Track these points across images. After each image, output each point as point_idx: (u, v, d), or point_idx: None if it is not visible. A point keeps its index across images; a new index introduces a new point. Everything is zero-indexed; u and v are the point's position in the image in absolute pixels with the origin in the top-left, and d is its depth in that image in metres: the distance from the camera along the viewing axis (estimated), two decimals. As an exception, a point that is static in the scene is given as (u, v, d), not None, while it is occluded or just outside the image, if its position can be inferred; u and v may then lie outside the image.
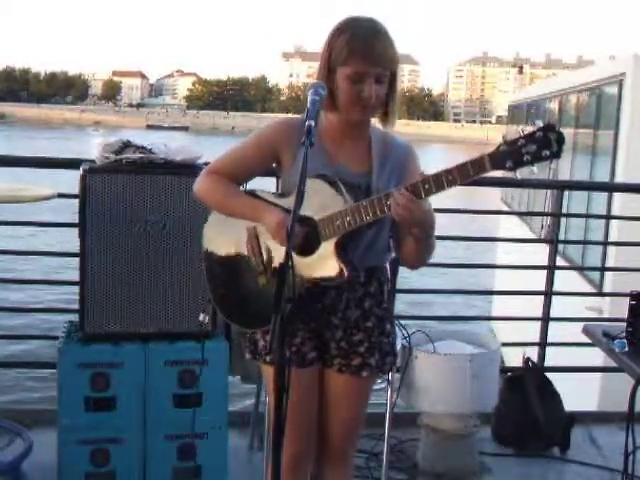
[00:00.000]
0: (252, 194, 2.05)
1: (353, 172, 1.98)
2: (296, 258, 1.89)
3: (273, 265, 1.97)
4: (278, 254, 1.93)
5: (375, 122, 2.07)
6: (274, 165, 2.06)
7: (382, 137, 2.05)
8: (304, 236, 1.88)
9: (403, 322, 3.27)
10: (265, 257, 1.99)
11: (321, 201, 1.89)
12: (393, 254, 2.14)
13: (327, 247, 1.90)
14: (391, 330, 2.12)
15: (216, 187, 2.03)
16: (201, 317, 2.68)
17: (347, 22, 1.94)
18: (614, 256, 6.34)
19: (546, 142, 1.68)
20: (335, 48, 1.91)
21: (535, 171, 1.73)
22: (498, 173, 1.83)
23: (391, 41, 1.93)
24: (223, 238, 2.10)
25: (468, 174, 1.74)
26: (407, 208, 1.78)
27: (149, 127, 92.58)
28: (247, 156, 2.05)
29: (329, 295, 1.99)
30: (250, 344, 2.11)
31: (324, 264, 1.90)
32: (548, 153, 1.69)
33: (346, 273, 1.88)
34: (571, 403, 3.76)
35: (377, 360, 2.07)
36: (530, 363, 3.80)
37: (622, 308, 2.82)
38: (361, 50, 1.88)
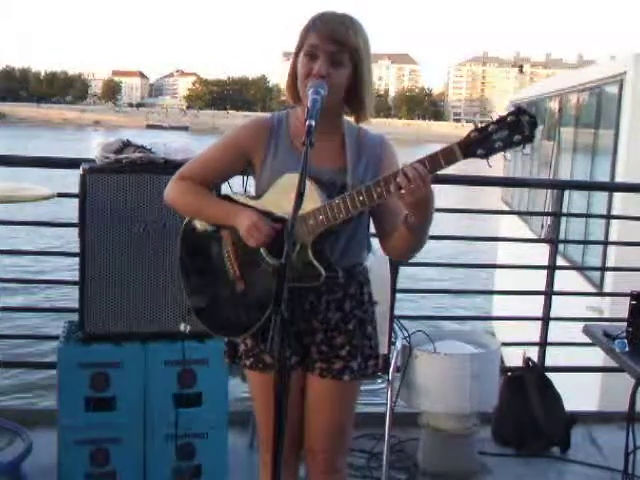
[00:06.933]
0: (225, 197, 2.01)
1: (327, 169, 1.91)
2: (272, 260, 1.86)
3: (250, 270, 1.93)
4: (254, 258, 1.90)
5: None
6: (247, 167, 2.00)
7: (355, 132, 1.99)
8: (277, 237, 1.83)
9: (403, 322, 3.27)
10: (242, 261, 1.95)
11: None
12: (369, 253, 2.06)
13: (303, 247, 1.84)
14: (373, 333, 2.05)
15: (186, 192, 1.99)
16: (182, 327, 2.65)
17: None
18: (614, 256, 6.33)
19: (518, 126, 1.62)
20: (299, 36, 1.90)
21: (508, 157, 1.68)
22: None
23: (355, 27, 1.87)
24: (199, 244, 2.03)
25: (439, 164, 1.69)
26: (422, 180, 1.67)
27: (149, 127, 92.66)
28: (217, 159, 2.01)
29: (308, 298, 1.94)
30: (229, 348, 2.08)
31: (300, 265, 1.84)
32: (520, 138, 1.63)
33: (323, 273, 1.84)
34: (571, 403, 3.76)
35: (359, 363, 2.01)
36: (530, 363, 3.79)
37: (622, 308, 2.82)
38: (316, 25, 1.86)
